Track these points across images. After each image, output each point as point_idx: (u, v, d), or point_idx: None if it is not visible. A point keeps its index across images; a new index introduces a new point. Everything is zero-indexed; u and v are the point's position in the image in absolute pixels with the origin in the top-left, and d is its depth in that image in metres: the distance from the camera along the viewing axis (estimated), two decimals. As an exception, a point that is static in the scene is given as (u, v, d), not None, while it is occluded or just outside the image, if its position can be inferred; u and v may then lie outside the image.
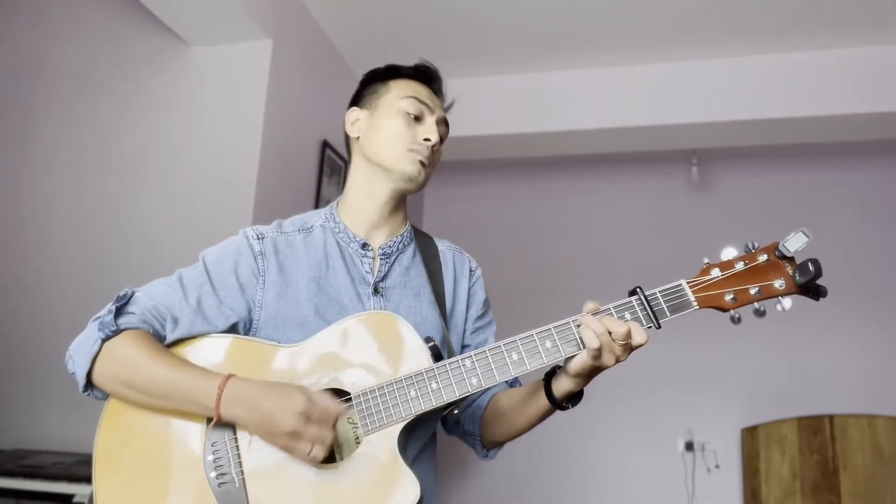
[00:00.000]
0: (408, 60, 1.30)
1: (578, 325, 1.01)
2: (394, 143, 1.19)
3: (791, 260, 1.02)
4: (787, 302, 1.02)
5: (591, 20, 3.06)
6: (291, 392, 0.99)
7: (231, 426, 1.03)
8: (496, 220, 4.59)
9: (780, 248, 1.01)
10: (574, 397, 1.08)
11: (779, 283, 1.01)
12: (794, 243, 1.00)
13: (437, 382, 1.03)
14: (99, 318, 1.08)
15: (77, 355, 1.07)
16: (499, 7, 2.99)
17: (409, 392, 1.02)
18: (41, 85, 2.99)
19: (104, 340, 1.05)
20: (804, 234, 1.00)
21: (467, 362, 1.03)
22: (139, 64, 2.86)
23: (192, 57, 2.80)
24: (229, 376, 1.02)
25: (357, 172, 1.24)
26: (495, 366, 1.03)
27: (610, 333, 0.98)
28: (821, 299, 1.01)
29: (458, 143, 3.66)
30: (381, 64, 1.30)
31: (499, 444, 1.24)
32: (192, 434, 1.04)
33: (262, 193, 2.60)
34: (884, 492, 3.41)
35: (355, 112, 1.26)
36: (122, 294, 1.10)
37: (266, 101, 2.64)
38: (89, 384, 1.07)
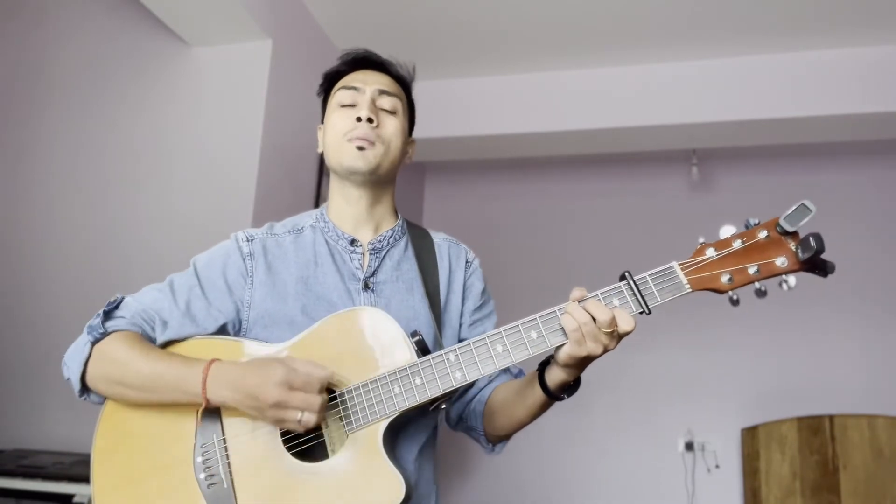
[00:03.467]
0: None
1: (564, 314, 0.98)
2: (333, 140, 1.19)
3: (794, 235, 0.96)
4: (791, 280, 0.95)
5: (591, 21, 3.06)
6: (270, 364, 1.00)
7: (220, 426, 1.04)
8: (496, 219, 4.59)
9: (781, 222, 0.95)
10: (570, 387, 1.06)
11: (780, 261, 0.95)
12: (796, 217, 0.94)
13: (420, 378, 1.01)
14: (90, 324, 1.10)
15: (71, 361, 1.09)
16: (499, 8, 2.99)
17: (392, 388, 1.01)
18: (41, 85, 2.99)
19: (93, 343, 1.07)
20: (806, 206, 0.94)
21: (451, 356, 1.01)
22: (139, 64, 2.86)
23: (192, 57, 2.79)
24: (213, 361, 1.03)
25: (331, 180, 1.26)
26: (479, 359, 1.00)
27: (595, 321, 0.96)
28: (828, 277, 0.94)
29: (459, 142, 3.66)
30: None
31: (504, 438, 1.22)
32: (184, 435, 1.05)
33: (262, 193, 2.60)
34: (884, 492, 3.41)
35: (320, 130, 1.28)
36: (112, 300, 1.13)
37: (266, 101, 2.64)
38: (85, 388, 1.09)
